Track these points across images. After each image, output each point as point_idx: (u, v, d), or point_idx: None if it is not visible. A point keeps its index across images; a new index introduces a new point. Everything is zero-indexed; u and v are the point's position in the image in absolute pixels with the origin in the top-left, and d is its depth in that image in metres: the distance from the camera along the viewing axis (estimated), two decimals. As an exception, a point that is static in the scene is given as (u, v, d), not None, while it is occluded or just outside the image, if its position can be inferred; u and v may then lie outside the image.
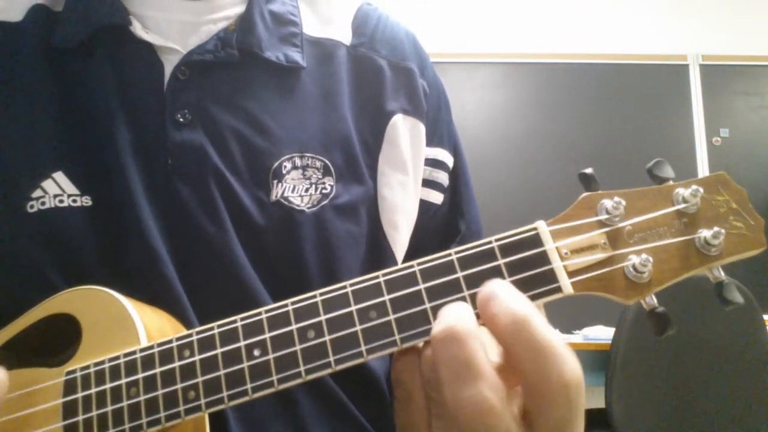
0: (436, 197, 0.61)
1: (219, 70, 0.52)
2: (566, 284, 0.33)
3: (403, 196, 0.56)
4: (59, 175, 0.48)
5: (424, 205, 0.60)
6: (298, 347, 0.34)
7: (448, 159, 0.62)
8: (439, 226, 0.62)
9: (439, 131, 0.62)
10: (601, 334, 1.92)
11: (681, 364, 1.63)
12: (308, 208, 0.50)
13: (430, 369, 0.32)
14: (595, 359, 1.89)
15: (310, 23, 0.58)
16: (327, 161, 0.52)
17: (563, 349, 0.29)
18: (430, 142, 0.60)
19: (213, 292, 0.47)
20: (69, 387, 0.38)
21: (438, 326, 0.30)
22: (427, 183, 0.60)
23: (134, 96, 0.50)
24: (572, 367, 0.29)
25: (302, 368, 0.34)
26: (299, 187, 0.51)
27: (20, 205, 0.47)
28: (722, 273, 0.34)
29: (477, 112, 2.70)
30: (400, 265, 0.35)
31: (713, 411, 1.63)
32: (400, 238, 0.56)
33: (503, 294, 0.31)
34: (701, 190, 0.34)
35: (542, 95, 2.71)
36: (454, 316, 0.30)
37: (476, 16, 2.81)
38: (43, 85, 0.50)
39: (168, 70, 0.50)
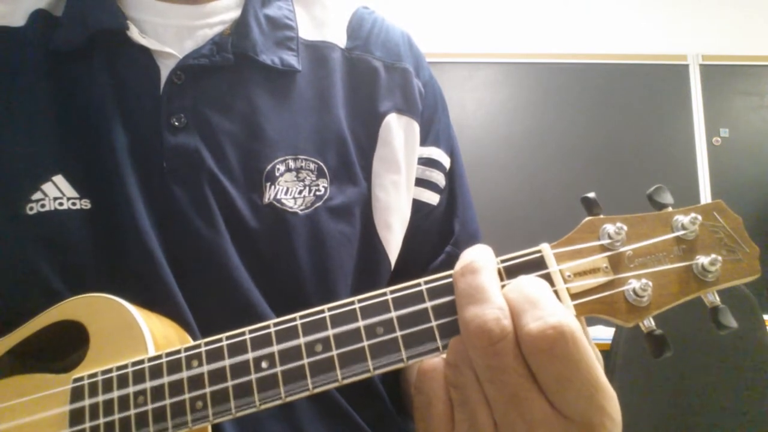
0: (430, 197, 0.61)
1: (214, 74, 0.52)
2: (569, 306, 0.34)
3: (396, 196, 0.56)
4: (59, 179, 0.48)
5: (417, 205, 0.60)
6: (305, 361, 0.35)
7: (444, 159, 0.62)
8: (434, 228, 0.61)
9: (435, 131, 0.62)
10: (601, 334, 1.92)
11: (681, 364, 1.63)
12: (301, 210, 0.51)
13: (452, 359, 0.33)
14: (595, 359, 1.88)
15: (305, 27, 0.59)
16: (321, 163, 0.53)
17: (540, 301, 0.31)
18: (425, 141, 0.60)
19: (208, 293, 0.48)
20: (76, 394, 0.38)
21: (458, 264, 0.33)
22: (420, 182, 0.60)
23: (131, 100, 0.50)
24: (555, 316, 0.30)
25: (309, 381, 0.35)
26: (292, 189, 0.51)
27: (20, 207, 0.47)
28: (717, 298, 0.35)
29: (477, 112, 2.70)
30: (407, 283, 0.36)
31: (713, 411, 1.63)
32: (393, 239, 0.56)
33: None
34: (700, 218, 0.36)
35: (542, 95, 2.71)
36: (474, 253, 0.34)
37: (476, 16, 2.80)
38: (43, 88, 0.50)
39: (164, 74, 0.51)
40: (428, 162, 0.60)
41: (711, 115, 2.68)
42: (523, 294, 0.32)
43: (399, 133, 0.57)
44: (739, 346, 1.64)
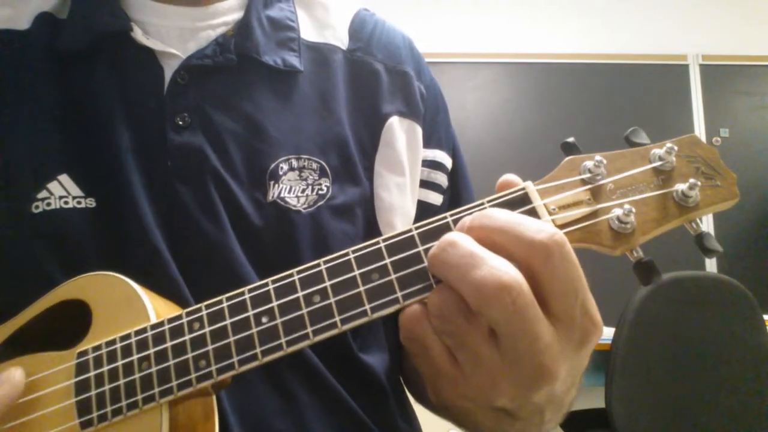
0: (435, 198, 0.62)
1: (218, 74, 0.53)
2: None
3: (400, 197, 0.57)
4: (64, 178, 0.49)
5: (423, 206, 0.60)
6: (304, 311, 0.36)
7: (447, 160, 0.63)
8: None
9: (437, 133, 0.62)
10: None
11: (681, 364, 1.63)
12: (304, 208, 0.51)
13: (437, 312, 0.33)
14: (595, 359, 1.88)
15: (307, 29, 0.59)
16: (323, 163, 0.53)
17: (527, 220, 0.33)
18: (428, 143, 0.61)
19: (215, 290, 0.48)
20: (81, 367, 0.39)
21: (431, 250, 0.33)
22: (425, 184, 0.61)
23: (135, 100, 0.51)
24: (538, 228, 0.32)
25: (309, 329, 0.35)
26: (295, 188, 0.52)
27: (24, 205, 0.47)
28: (701, 226, 0.37)
29: (477, 112, 2.70)
30: (398, 231, 0.37)
31: (713, 411, 1.63)
32: None
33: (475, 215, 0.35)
34: (675, 148, 0.37)
35: (542, 95, 2.71)
36: (441, 238, 0.33)
37: (476, 16, 2.81)
38: (48, 90, 0.51)
39: (168, 74, 0.52)
40: (432, 164, 0.61)
41: (711, 115, 2.68)
42: (506, 220, 0.33)
43: (401, 135, 0.58)
44: (739, 346, 1.65)
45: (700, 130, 2.67)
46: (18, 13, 0.54)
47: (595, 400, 1.77)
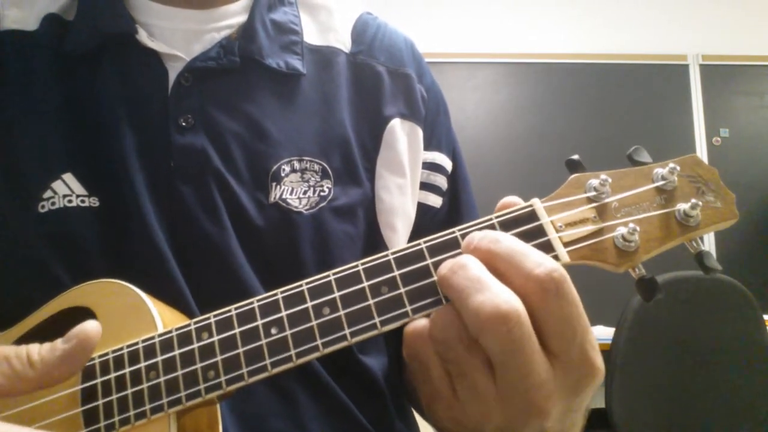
0: (435, 200, 0.62)
1: (221, 76, 0.54)
2: (563, 253, 0.36)
3: (400, 199, 0.57)
4: (68, 176, 0.49)
5: (422, 208, 0.61)
6: (314, 323, 0.36)
7: (447, 163, 0.63)
8: (438, 229, 0.62)
9: (437, 135, 0.63)
10: (601, 334, 1.93)
11: (681, 364, 1.64)
12: (306, 210, 0.52)
13: (440, 336, 0.33)
14: (595, 359, 1.88)
15: (310, 32, 0.60)
16: (325, 164, 0.54)
17: (532, 251, 0.33)
18: (428, 146, 0.61)
19: (215, 290, 0.48)
20: (87, 374, 0.39)
21: (441, 268, 0.34)
22: (425, 186, 0.61)
23: (140, 101, 0.52)
24: (539, 261, 0.32)
25: (319, 342, 0.35)
26: (297, 189, 0.52)
27: (32, 205, 0.48)
28: (701, 244, 0.38)
29: (477, 112, 2.70)
30: (407, 244, 0.37)
31: (713, 411, 1.63)
32: (397, 240, 0.57)
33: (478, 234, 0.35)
34: (678, 168, 0.38)
35: (542, 95, 2.71)
36: (453, 259, 0.34)
37: (476, 16, 2.81)
38: (54, 90, 0.52)
39: (172, 76, 0.52)
40: (432, 167, 0.62)
41: (711, 115, 2.68)
42: (511, 249, 0.33)
43: (403, 137, 0.58)
44: (739, 346, 1.65)
45: (700, 130, 2.67)
46: (26, 14, 0.54)
47: (595, 400, 1.77)
